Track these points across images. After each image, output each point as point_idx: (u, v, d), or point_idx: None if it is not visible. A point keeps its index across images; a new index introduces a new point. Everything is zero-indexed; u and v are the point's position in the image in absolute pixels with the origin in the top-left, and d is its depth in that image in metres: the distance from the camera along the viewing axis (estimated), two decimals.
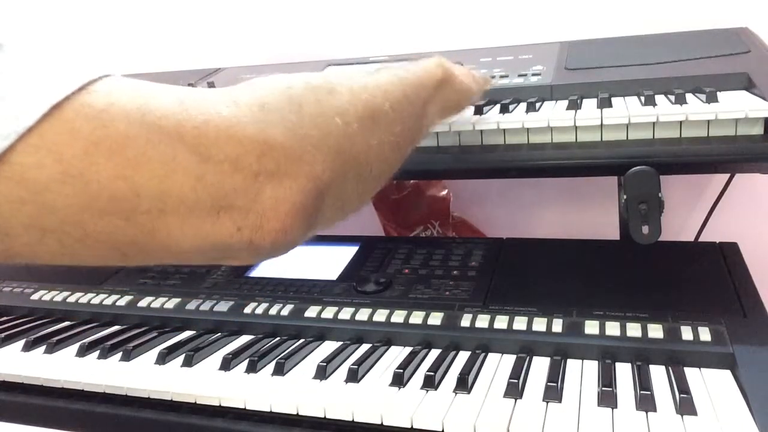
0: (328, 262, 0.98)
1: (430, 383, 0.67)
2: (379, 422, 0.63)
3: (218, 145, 0.38)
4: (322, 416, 0.65)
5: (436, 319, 0.80)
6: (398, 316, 0.81)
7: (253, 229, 0.40)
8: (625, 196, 0.68)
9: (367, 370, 0.72)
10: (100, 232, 0.37)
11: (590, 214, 1.20)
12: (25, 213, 0.35)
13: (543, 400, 0.63)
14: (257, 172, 0.39)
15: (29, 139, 0.34)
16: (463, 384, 0.66)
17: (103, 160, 0.36)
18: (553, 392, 0.64)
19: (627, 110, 0.70)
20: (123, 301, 0.95)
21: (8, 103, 0.34)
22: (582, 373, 0.69)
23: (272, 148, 0.40)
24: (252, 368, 0.74)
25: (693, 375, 0.66)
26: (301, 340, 0.81)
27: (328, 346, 0.79)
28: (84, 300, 0.97)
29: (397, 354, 0.76)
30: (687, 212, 1.14)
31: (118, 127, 0.36)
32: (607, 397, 0.62)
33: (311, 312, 0.85)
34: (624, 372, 0.68)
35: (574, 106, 0.74)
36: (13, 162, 0.34)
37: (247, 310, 0.88)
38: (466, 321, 0.78)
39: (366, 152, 0.47)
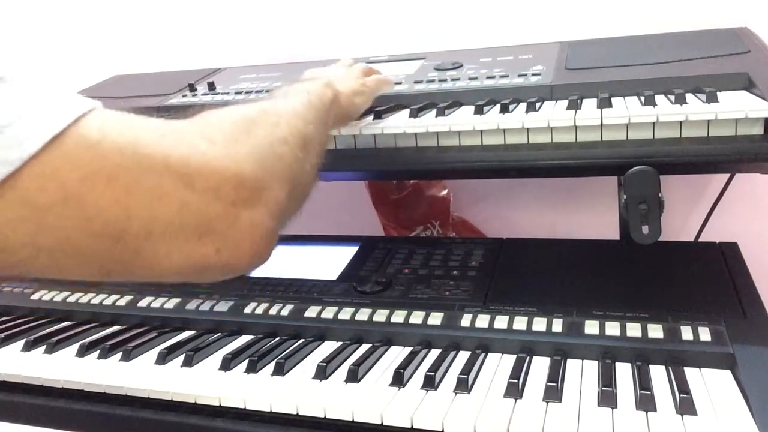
0: (328, 262, 0.98)
1: (430, 383, 0.67)
2: (379, 422, 0.63)
3: (201, 177, 0.44)
4: (322, 416, 0.65)
5: (436, 319, 0.80)
6: (398, 316, 0.81)
7: (230, 251, 0.46)
8: (625, 196, 0.68)
9: (367, 370, 0.72)
10: (92, 251, 0.42)
11: (590, 214, 1.20)
12: (25, 232, 0.39)
13: (543, 400, 0.63)
14: (234, 201, 0.45)
15: (33, 165, 0.38)
16: (463, 384, 0.66)
17: (100, 187, 0.40)
18: (553, 392, 0.64)
19: (627, 110, 0.70)
20: (123, 301, 0.95)
21: (13, 131, 0.38)
22: (582, 373, 0.69)
23: (246, 179, 0.46)
24: (252, 368, 0.74)
25: (693, 375, 0.66)
26: (301, 340, 0.81)
27: (328, 346, 0.79)
28: (84, 300, 0.97)
29: (397, 354, 0.76)
30: (687, 212, 1.14)
31: (113, 159, 0.41)
32: (607, 397, 0.62)
33: (311, 312, 0.85)
34: (624, 372, 0.68)
35: (574, 106, 0.74)
36: (18, 186, 0.38)
37: (247, 310, 0.88)
38: (466, 321, 0.78)
39: (303, 175, 0.55)
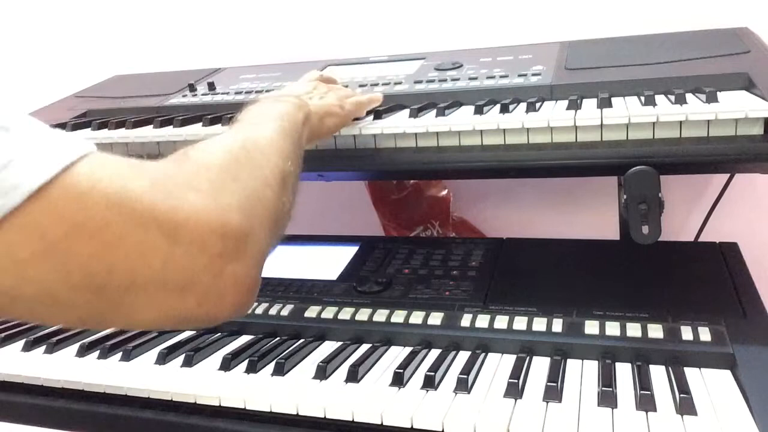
0: (328, 262, 0.98)
1: (430, 383, 0.67)
2: (379, 422, 0.63)
3: (187, 229, 0.43)
4: (322, 416, 0.65)
5: (436, 319, 0.80)
6: (398, 316, 0.81)
7: (212, 304, 0.45)
8: (625, 196, 0.68)
9: (367, 370, 0.72)
10: (70, 302, 0.41)
11: (590, 214, 1.20)
12: (4, 282, 0.39)
13: (543, 400, 0.63)
14: (220, 253, 0.44)
15: (16, 217, 0.37)
16: (463, 384, 0.66)
17: (83, 241, 0.39)
18: (553, 392, 0.64)
19: (627, 110, 0.70)
20: None
21: (0, 179, 0.37)
22: (582, 373, 0.69)
23: (232, 230, 0.45)
24: (252, 368, 0.74)
25: (693, 375, 0.66)
26: (301, 340, 0.81)
27: (328, 346, 0.79)
28: None
29: (397, 354, 0.76)
30: (687, 212, 1.14)
31: (99, 211, 0.40)
32: (607, 397, 0.62)
33: (311, 312, 0.85)
34: (624, 372, 0.68)
35: (574, 106, 0.74)
36: (1, 239, 0.37)
37: None
38: (466, 321, 0.78)
39: (283, 214, 0.55)
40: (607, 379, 0.64)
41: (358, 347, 0.78)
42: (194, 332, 0.87)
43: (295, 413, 0.66)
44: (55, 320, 0.43)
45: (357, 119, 0.83)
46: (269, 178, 0.53)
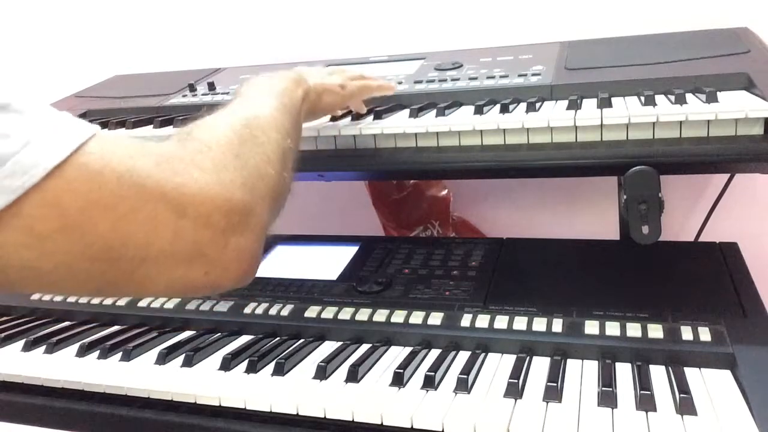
0: (328, 262, 0.98)
1: (430, 383, 0.67)
2: (379, 422, 0.63)
3: (194, 205, 0.46)
4: (322, 416, 0.65)
5: (436, 319, 0.80)
6: (398, 316, 0.81)
7: (218, 274, 0.49)
8: (625, 196, 0.68)
9: (367, 370, 0.72)
10: (88, 274, 0.44)
11: (590, 214, 1.20)
12: (24, 256, 0.41)
13: (543, 400, 0.63)
14: (225, 228, 0.48)
15: (36, 194, 0.40)
16: (463, 384, 0.66)
17: (99, 215, 0.42)
18: (553, 392, 0.64)
19: (627, 110, 0.70)
20: (123, 301, 0.95)
21: (18, 159, 0.40)
22: (582, 373, 0.69)
23: (235, 206, 0.48)
24: (252, 368, 0.74)
25: (693, 375, 0.66)
26: (301, 340, 0.81)
27: (328, 346, 0.79)
28: (84, 300, 0.97)
29: (397, 354, 0.76)
30: (687, 212, 1.14)
31: (112, 188, 0.43)
32: (607, 397, 0.62)
33: (311, 312, 0.85)
34: (624, 372, 0.68)
35: (574, 106, 0.74)
36: (23, 214, 0.40)
37: (247, 310, 0.88)
38: (466, 321, 0.78)
39: (283, 190, 0.57)
40: (607, 379, 0.64)
41: (358, 347, 0.78)
42: (194, 332, 0.87)
43: (295, 413, 0.66)
44: (73, 291, 0.48)
45: (359, 118, 0.83)
46: (270, 156, 0.55)
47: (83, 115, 1.07)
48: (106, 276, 0.44)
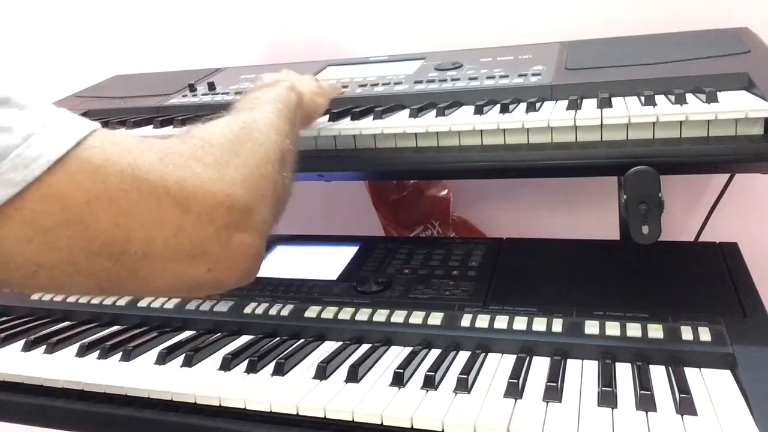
0: (328, 262, 0.98)
1: (430, 383, 0.67)
2: (379, 422, 0.63)
3: (197, 200, 0.46)
4: (322, 416, 0.65)
5: (436, 319, 0.80)
6: (398, 316, 0.81)
7: (221, 271, 0.48)
8: (625, 196, 0.68)
9: (367, 370, 0.72)
10: (91, 269, 0.43)
11: (590, 214, 1.20)
12: (28, 251, 0.41)
13: (543, 400, 0.63)
14: (227, 224, 0.47)
15: (38, 187, 0.40)
16: (463, 384, 0.66)
17: (102, 209, 0.42)
18: (553, 392, 0.64)
19: (627, 110, 0.70)
20: (123, 301, 0.95)
21: (20, 152, 0.39)
22: (582, 373, 0.69)
23: (237, 202, 0.48)
24: (252, 368, 0.74)
25: (693, 375, 0.66)
26: (301, 340, 0.81)
27: (328, 346, 0.80)
28: (84, 300, 0.97)
29: (397, 354, 0.76)
30: (687, 212, 1.14)
31: (114, 182, 0.42)
32: (607, 397, 0.62)
33: (311, 312, 0.85)
34: (624, 372, 0.68)
35: (574, 106, 0.74)
36: (25, 208, 0.40)
37: (247, 310, 0.88)
38: (466, 321, 0.78)
39: (284, 191, 0.57)
40: (607, 379, 0.64)
41: (358, 347, 0.78)
42: (194, 332, 0.87)
43: (295, 413, 0.66)
44: (76, 288, 0.46)
45: (360, 117, 0.82)
46: (270, 155, 0.55)
47: (84, 115, 1.06)
48: (108, 272, 0.44)
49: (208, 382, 0.73)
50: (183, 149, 0.49)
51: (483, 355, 0.73)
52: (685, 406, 0.60)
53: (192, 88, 1.08)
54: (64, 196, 0.41)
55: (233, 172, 0.49)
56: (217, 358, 0.78)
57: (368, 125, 0.79)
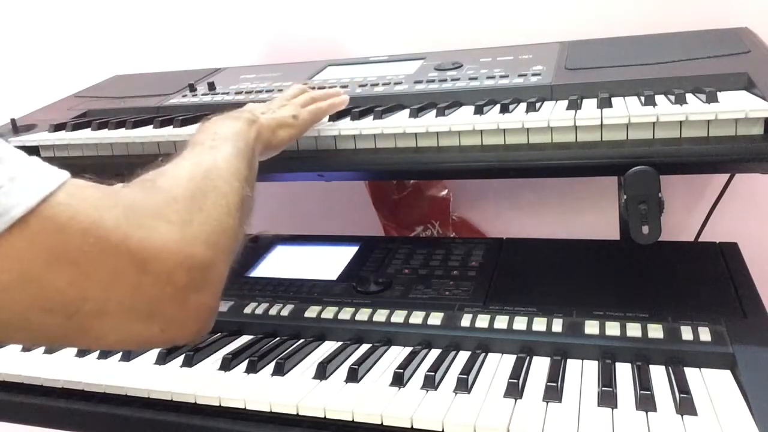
0: (328, 262, 0.98)
1: (430, 383, 0.67)
2: (379, 422, 0.63)
3: (157, 261, 0.45)
4: (322, 416, 0.65)
5: (436, 319, 0.80)
6: (398, 316, 0.81)
7: (175, 331, 0.48)
8: (625, 196, 0.68)
9: (367, 370, 0.72)
10: (42, 326, 0.43)
11: (590, 215, 1.20)
12: None
13: (543, 400, 0.63)
14: (186, 284, 0.47)
15: None
16: (463, 384, 0.66)
17: (61, 269, 0.41)
18: (553, 392, 0.64)
19: (627, 110, 0.70)
20: None
21: None
22: (582, 373, 0.69)
23: (197, 262, 0.48)
24: (252, 368, 0.74)
25: (693, 375, 0.66)
26: (301, 340, 0.81)
27: (328, 346, 0.80)
28: None
29: (397, 354, 0.76)
30: (687, 212, 1.14)
31: (76, 243, 0.42)
32: (607, 397, 0.62)
33: (311, 312, 0.85)
34: (624, 372, 0.68)
35: (574, 106, 0.74)
36: None
37: (247, 310, 0.88)
38: (466, 321, 0.78)
39: (240, 237, 0.56)
40: (607, 379, 0.64)
41: (358, 347, 0.78)
42: None
43: (295, 413, 0.66)
44: (23, 341, 0.46)
45: (360, 117, 0.82)
46: (230, 207, 0.55)
47: (83, 115, 1.07)
48: (60, 329, 0.43)
49: (208, 382, 0.73)
50: (148, 204, 0.48)
51: (483, 355, 0.74)
52: (685, 406, 0.60)
53: (192, 88, 1.08)
54: (23, 256, 0.40)
55: (196, 231, 0.49)
56: (217, 358, 0.78)
57: (368, 125, 0.79)
